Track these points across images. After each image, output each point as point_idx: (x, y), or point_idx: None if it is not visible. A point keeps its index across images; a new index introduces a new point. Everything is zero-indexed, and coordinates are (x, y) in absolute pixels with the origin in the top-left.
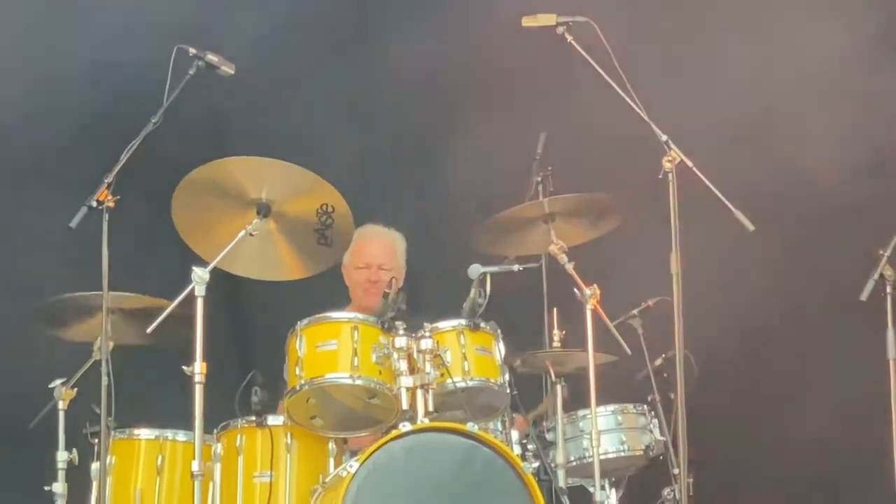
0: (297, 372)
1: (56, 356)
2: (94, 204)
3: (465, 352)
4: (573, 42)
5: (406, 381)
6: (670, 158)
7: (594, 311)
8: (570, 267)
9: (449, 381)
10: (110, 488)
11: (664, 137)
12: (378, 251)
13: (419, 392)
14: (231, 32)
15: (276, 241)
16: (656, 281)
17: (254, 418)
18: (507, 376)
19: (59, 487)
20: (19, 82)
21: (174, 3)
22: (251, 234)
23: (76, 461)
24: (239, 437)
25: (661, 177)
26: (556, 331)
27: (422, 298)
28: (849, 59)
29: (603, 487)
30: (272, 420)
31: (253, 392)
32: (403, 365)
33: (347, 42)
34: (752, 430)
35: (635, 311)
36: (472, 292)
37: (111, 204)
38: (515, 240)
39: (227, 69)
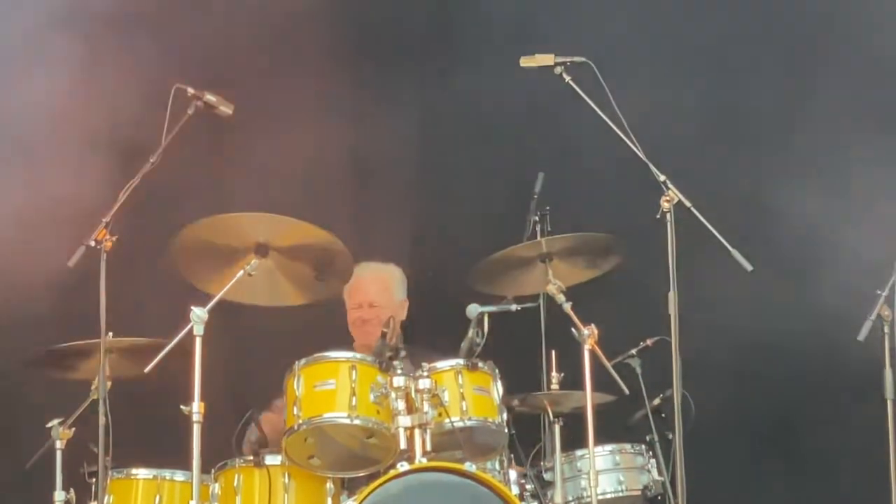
0: (295, 411)
1: (54, 395)
2: (92, 243)
3: (463, 391)
4: (571, 82)
5: (404, 420)
6: (668, 198)
7: (592, 351)
8: (567, 307)
9: (447, 420)
10: None
11: (662, 178)
12: (369, 289)
13: (417, 432)
14: (232, 72)
15: (275, 274)
16: (654, 320)
17: (251, 458)
18: (505, 416)
19: None
20: None
21: (174, 42)
22: (249, 275)
23: (73, 501)
24: (237, 476)
25: (658, 216)
26: (554, 373)
27: (420, 338)
28: None
29: None
30: (270, 459)
31: (250, 431)
32: (401, 404)
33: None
34: (749, 470)
35: (633, 351)
36: (470, 332)
37: (109, 244)
38: (513, 280)
39: (226, 109)
